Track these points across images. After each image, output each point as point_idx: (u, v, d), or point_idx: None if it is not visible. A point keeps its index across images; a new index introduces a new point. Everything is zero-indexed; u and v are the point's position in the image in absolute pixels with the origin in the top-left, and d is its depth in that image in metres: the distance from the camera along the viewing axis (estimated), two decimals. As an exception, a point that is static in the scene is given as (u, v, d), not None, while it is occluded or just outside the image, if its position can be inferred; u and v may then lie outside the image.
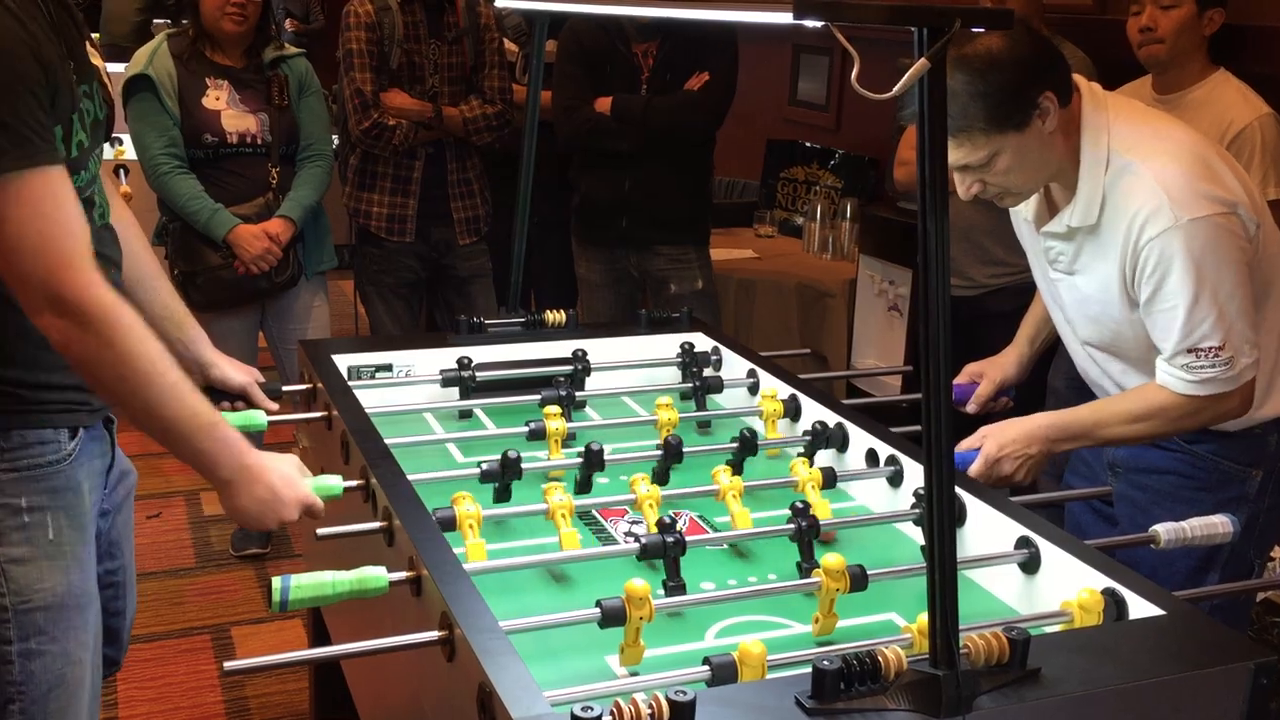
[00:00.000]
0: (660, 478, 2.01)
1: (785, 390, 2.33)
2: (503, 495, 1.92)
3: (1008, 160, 1.91)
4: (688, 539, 1.68)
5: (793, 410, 2.29)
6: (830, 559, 1.56)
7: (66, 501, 1.73)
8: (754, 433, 2.10)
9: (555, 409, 2.15)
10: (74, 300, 1.51)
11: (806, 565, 1.73)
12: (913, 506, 1.90)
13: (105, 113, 1.79)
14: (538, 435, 2.11)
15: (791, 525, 1.75)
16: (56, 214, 1.52)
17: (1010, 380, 2.42)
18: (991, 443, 2.02)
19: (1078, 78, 1.97)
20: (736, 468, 2.06)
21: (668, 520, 1.69)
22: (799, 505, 1.77)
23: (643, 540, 1.66)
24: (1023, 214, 2.14)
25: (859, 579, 1.57)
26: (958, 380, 2.41)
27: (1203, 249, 1.85)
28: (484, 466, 1.90)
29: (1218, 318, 1.87)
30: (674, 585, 1.65)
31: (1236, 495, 2.06)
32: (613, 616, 1.45)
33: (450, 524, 1.73)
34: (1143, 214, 1.88)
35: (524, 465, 1.93)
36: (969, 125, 1.86)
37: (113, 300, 1.54)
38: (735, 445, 2.09)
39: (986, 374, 2.41)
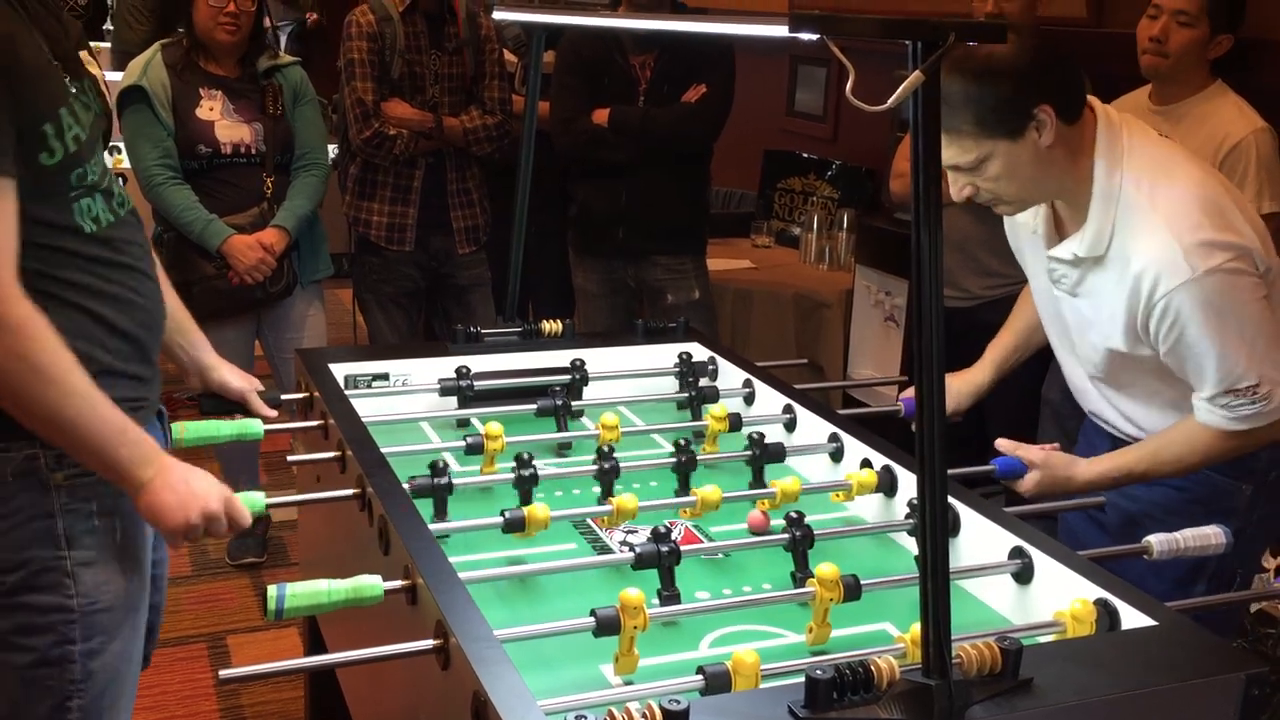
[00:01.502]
0: (682, 485, 2.04)
1: (781, 402, 2.34)
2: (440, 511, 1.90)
3: (998, 167, 1.91)
4: (682, 549, 1.68)
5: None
6: (824, 569, 1.57)
7: (130, 505, 1.70)
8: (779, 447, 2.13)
9: (498, 427, 2.13)
10: None
11: (801, 575, 1.73)
12: (907, 516, 1.91)
13: (99, 105, 1.77)
14: (475, 450, 2.11)
15: (786, 535, 1.76)
16: None
17: (962, 409, 2.41)
18: (1047, 480, 2.05)
19: (1095, 101, 1.96)
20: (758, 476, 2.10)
21: (663, 530, 1.70)
22: (793, 515, 1.77)
23: (637, 550, 1.67)
24: (1030, 225, 2.13)
25: (853, 589, 1.57)
26: (905, 395, 2.41)
27: (1219, 299, 1.86)
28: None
29: (1248, 357, 1.88)
30: (668, 595, 1.66)
31: (1227, 508, 2.06)
32: (607, 626, 1.46)
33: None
34: (1154, 267, 1.87)
35: (541, 474, 1.96)
36: (958, 126, 1.87)
37: (28, 312, 1.52)
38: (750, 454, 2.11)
39: (951, 387, 2.38)
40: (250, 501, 1.73)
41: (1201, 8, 2.92)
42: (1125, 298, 1.94)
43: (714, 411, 2.25)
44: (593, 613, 1.46)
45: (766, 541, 1.81)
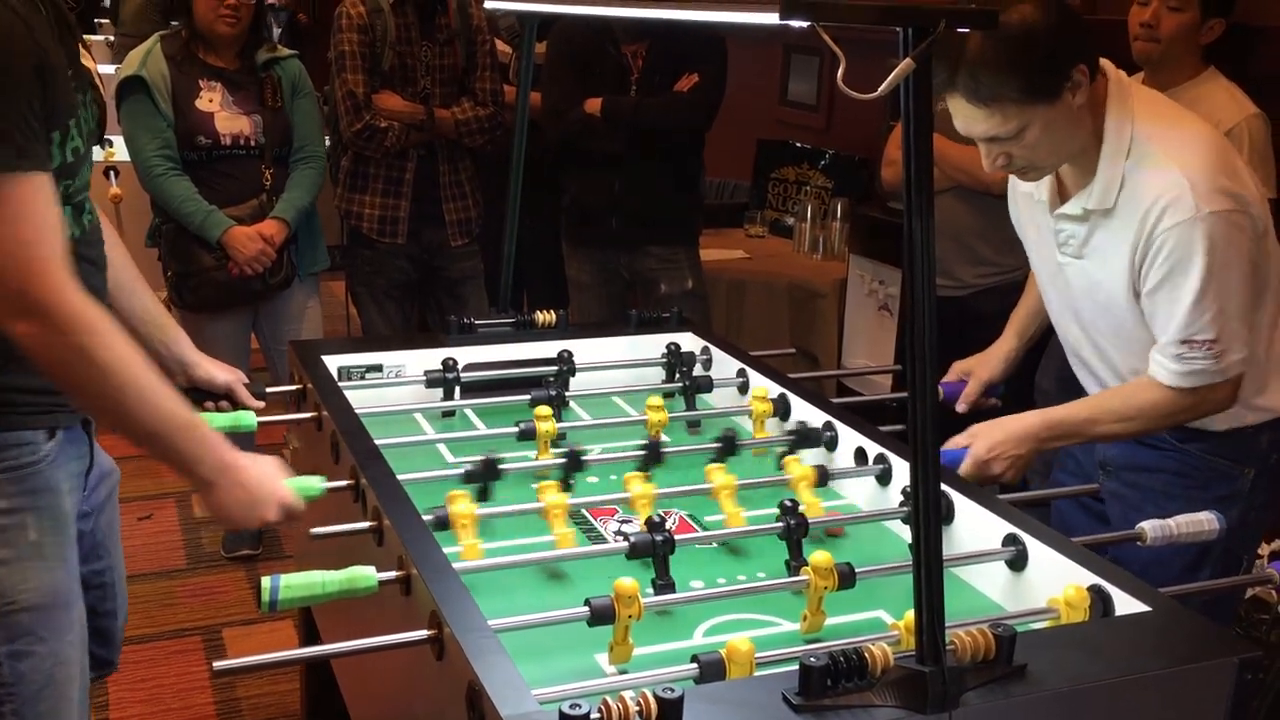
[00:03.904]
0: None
1: (775, 390, 2.34)
2: (482, 495, 1.93)
3: (1037, 133, 1.89)
4: (677, 538, 1.68)
5: (782, 409, 2.30)
6: (818, 557, 1.57)
7: (46, 502, 1.72)
8: (734, 433, 2.13)
9: (546, 409, 2.16)
10: (47, 304, 1.49)
11: (795, 563, 1.74)
12: (901, 504, 1.91)
13: (97, 118, 1.80)
14: (528, 435, 2.12)
15: (780, 524, 1.76)
16: (36, 219, 1.51)
17: (998, 377, 2.42)
18: (981, 443, 2.02)
19: (1105, 63, 1.97)
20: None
21: (657, 519, 1.69)
22: (788, 504, 1.77)
23: (632, 539, 1.67)
24: (1035, 194, 2.12)
25: (847, 577, 1.58)
26: (946, 379, 2.42)
27: (1218, 244, 1.86)
28: (468, 468, 1.91)
29: (1217, 313, 1.88)
30: (663, 584, 1.66)
31: (1228, 493, 2.07)
32: (601, 615, 1.46)
33: (444, 524, 1.74)
34: (1163, 200, 1.88)
35: (509, 465, 1.95)
36: (1002, 95, 1.85)
37: (85, 304, 1.53)
38: (718, 445, 2.11)
39: (975, 372, 2.41)
40: (304, 488, 1.76)
41: None
42: (1130, 238, 1.93)
43: (757, 393, 2.28)
44: (587, 602, 1.46)
45: (760, 530, 1.81)
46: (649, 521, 1.70)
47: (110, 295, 1.87)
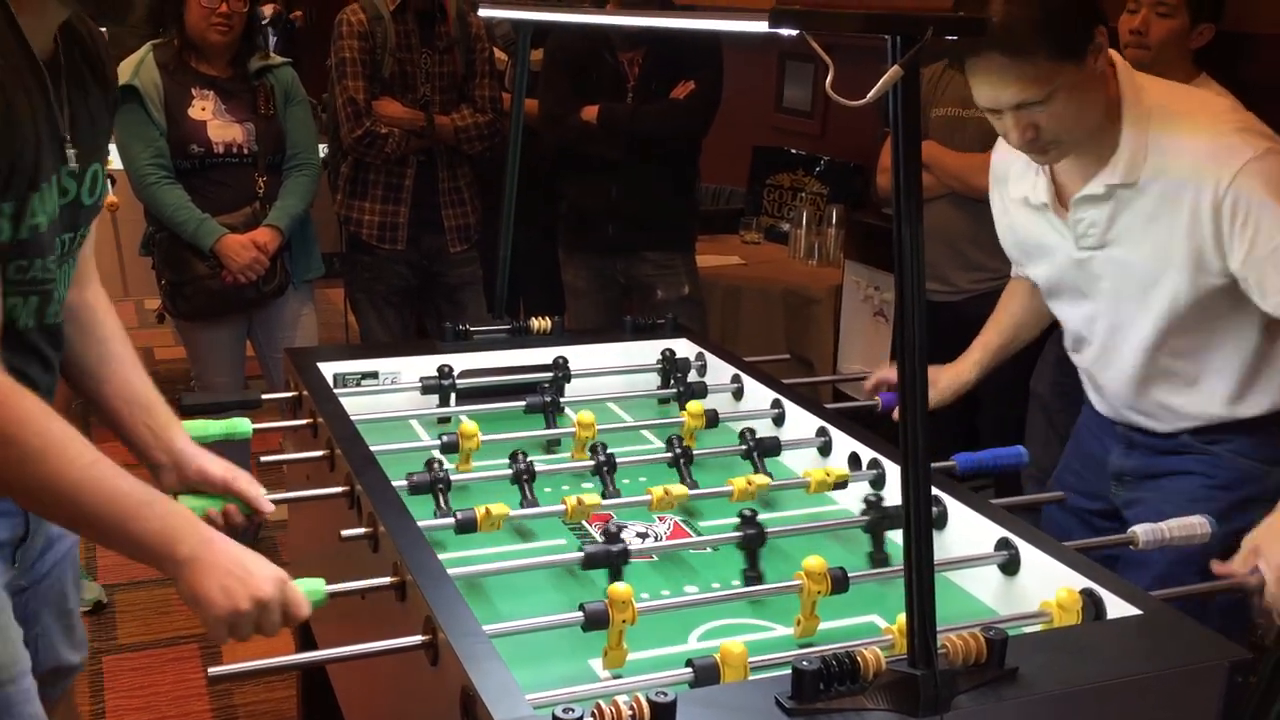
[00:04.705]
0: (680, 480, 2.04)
1: (769, 397, 2.35)
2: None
3: (1065, 97, 1.84)
4: (670, 543, 1.69)
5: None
6: (811, 562, 1.57)
7: None
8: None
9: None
10: None
11: (751, 574, 1.75)
12: (862, 513, 1.87)
13: (95, 199, 1.61)
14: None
15: (739, 534, 1.76)
16: None
17: (963, 390, 2.37)
18: (1271, 568, 1.72)
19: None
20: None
21: (614, 530, 1.69)
22: (746, 514, 1.77)
23: (586, 549, 1.66)
24: (1031, 199, 2.08)
25: (840, 581, 1.58)
26: (883, 376, 2.39)
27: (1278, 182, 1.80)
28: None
29: None
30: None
31: (1255, 494, 1.99)
32: (595, 620, 1.47)
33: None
34: (1207, 162, 1.83)
35: (538, 469, 1.99)
36: (1032, 52, 1.80)
37: (9, 386, 1.33)
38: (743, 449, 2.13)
39: (936, 381, 2.31)
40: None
41: None
42: (1181, 219, 1.87)
43: (692, 409, 2.25)
44: (581, 607, 1.47)
45: (722, 539, 1.82)
46: (605, 532, 1.69)
47: (98, 369, 1.72)
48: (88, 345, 1.72)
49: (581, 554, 1.67)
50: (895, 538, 1.92)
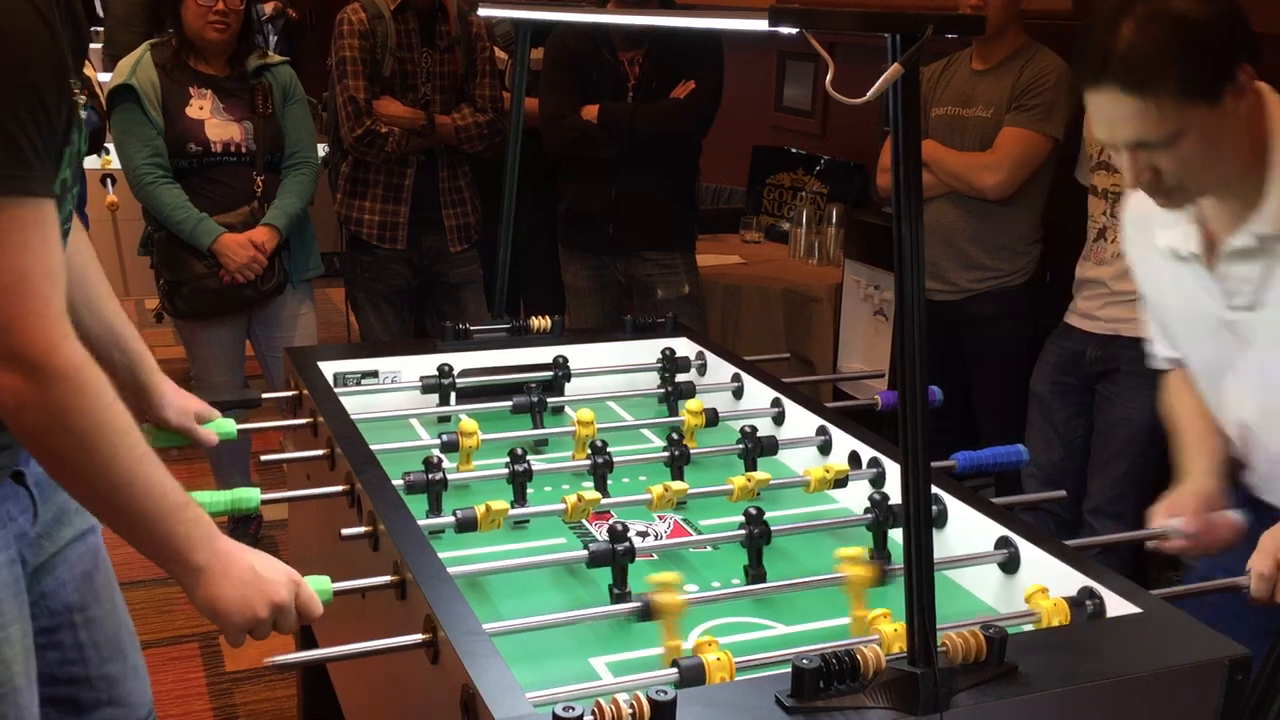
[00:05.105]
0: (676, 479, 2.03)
1: (769, 396, 2.35)
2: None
3: (1194, 142, 1.62)
4: (671, 541, 1.69)
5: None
6: (849, 551, 1.59)
7: None
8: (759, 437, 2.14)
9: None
10: (40, 355, 1.28)
11: (754, 572, 1.74)
12: (866, 511, 1.87)
13: (86, 147, 1.60)
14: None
15: (743, 531, 1.76)
16: (42, 254, 1.31)
17: (1217, 501, 1.83)
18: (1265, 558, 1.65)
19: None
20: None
21: (619, 528, 1.68)
22: (752, 512, 1.77)
23: (590, 548, 1.66)
24: (1180, 249, 1.81)
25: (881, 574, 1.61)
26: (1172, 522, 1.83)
27: None
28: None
29: None
30: (619, 594, 1.65)
31: None
32: (652, 611, 1.50)
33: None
34: None
35: (535, 468, 1.98)
36: (1157, 89, 1.58)
37: (84, 359, 1.32)
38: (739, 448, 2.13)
39: (1186, 508, 1.82)
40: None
41: None
42: None
43: (691, 407, 2.25)
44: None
45: (724, 538, 1.82)
46: (611, 530, 1.68)
47: (74, 311, 1.62)
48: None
49: (585, 552, 1.67)
50: (895, 536, 1.93)
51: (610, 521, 1.80)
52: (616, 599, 1.65)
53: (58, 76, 1.34)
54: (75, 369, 1.30)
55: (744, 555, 1.78)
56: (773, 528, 1.78)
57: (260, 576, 1.42)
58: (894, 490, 1.97)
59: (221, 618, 1.42)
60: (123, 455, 1.33)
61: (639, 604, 1.49)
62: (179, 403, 1.89)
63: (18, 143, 1.29)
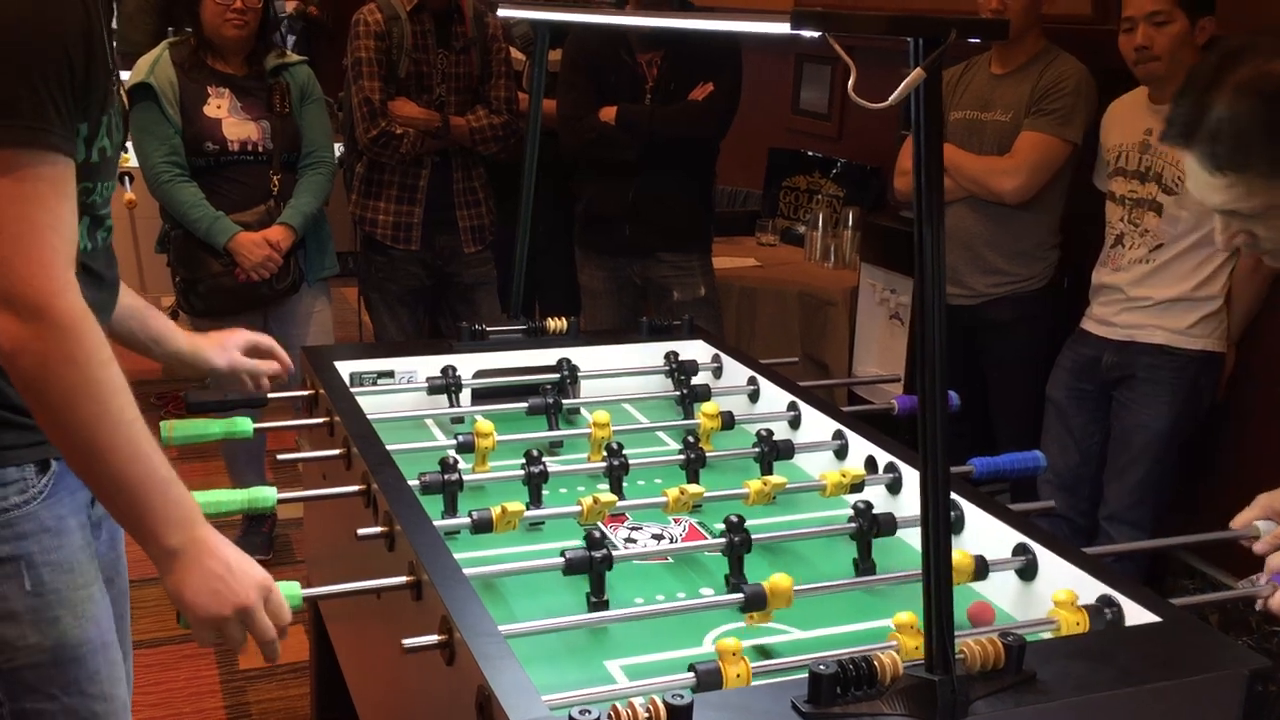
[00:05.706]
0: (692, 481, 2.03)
1: (785, 399, 2.34)
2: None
3: None
4: (686, 544, 1.68)
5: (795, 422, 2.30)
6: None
7: (43, 545, 1.51)
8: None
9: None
10: (40, 301, 1.29)
11: (734, 580, 1.72)
12: (850, 519, 1.84)
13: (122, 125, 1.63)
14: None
15: (723, 539, 1.74)
16: (55, 205, 1.33)
17: None
18: None
19: None
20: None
21: (597, 535, 1.67)
22: (733, 520, 1.74)
23: (567, 555, 1.64)
24: None
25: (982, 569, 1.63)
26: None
27: None
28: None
29: None
30: (596, 602, 1.63)
31: None
32: (755, 601, 1.54)
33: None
34: None
35: (550, 470, 1.97)
36: (1247, 165, 1.52)
37: (84, 312, 1.33)
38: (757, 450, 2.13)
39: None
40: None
41: (1170, 1, 2.91)
42: None
43: (706, 410, 2.24)
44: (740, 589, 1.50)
45: (762, 540, 1.81)
46: (588, 537, 1.67)
47: None
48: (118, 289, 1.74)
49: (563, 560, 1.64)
50: (891, 544, 1.91)
51: (586, 527, 1.77)
52: (594, 607, 1.63)
53: (88, 40, 1.37)
54: (74, 320, 1.32)
55: (760, 559, 1.77)
56: (784, 532, 1.77)
57: (233, 573, 1.40)
58: (910, 495, 1.96)
59: (187, 608, 1.40)
60: (111, 415, 1.33)
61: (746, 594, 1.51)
62: (216, 347, 1.97)
63: (42, 98, 1.31)
